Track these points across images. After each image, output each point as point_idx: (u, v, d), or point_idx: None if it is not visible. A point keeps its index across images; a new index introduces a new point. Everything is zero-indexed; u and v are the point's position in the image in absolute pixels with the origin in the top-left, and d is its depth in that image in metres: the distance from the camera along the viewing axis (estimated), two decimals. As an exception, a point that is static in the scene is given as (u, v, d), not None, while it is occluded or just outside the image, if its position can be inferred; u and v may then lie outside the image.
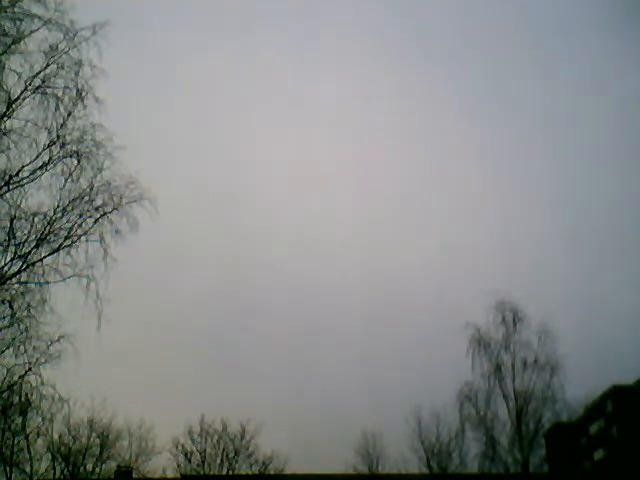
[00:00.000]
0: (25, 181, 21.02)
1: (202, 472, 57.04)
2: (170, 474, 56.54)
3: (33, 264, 21.31)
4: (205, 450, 57.43)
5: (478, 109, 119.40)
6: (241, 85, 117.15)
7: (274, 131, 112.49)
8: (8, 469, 42.27)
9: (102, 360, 32.24)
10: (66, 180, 21.57)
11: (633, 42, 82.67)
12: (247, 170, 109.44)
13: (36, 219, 21.20)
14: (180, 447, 56.89)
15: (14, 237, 20.97)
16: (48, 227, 21.36)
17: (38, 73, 21.07)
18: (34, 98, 21.08)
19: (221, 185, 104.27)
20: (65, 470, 49.28)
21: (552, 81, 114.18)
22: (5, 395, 23.53)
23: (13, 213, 20.94)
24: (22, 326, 21.52)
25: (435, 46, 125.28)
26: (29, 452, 44.15)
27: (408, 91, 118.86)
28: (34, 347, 21.81)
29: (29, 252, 21.16)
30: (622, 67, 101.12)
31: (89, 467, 50.45)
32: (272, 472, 57.30)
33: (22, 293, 21.46)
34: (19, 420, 33.80)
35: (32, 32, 20.97)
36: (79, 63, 21.34)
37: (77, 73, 21.37)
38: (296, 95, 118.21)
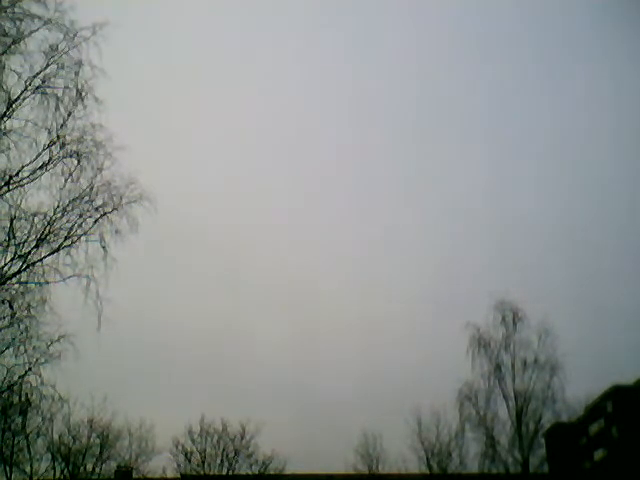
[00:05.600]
0: (25, 181, 21.09)
1: (202, 472, 56.98)
2: (170, 474, 56.46)
3: (33, 264, 21.34)
4: (205, 450, 57.35)
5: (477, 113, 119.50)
6: (242, 84, 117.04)
7: (276, 130, 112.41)
8: (8, 469, 42.31)
9: (102, 360, 32.26)
10: (66, 180, 21.65)
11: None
12: (247, 168, 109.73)
13: (36, 219, 21.29)
14: (180, 447, 56.80)
15: (14, 237, 21.00)
16: (48, 227, 21.40)
17: (38, 73, 21.13)
18: (34, 98, 21.15)
19: (221, 184, 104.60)
20: (65, 470, 49.23)
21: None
22: (5, 395, 23.56)
23: (13, 213, 21.00)
24: (22, 326, 21.59)
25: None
26: (29, 452, 44.17)
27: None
28: (34, 347, 21.89)
29: (29, 252, 21.19)
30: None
31: (89, 467, 50.37)
32: (272, 472, 57.25)
33: (22, 293, 21.50)
34: (19, 420, 33.89)
35: (32, 32, 21.04)
36: (79, 63, 21.42)
37: (77, 73, 21.46)
38: (300, 94, 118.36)
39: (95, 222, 22.00)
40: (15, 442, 41.58)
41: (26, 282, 21.44)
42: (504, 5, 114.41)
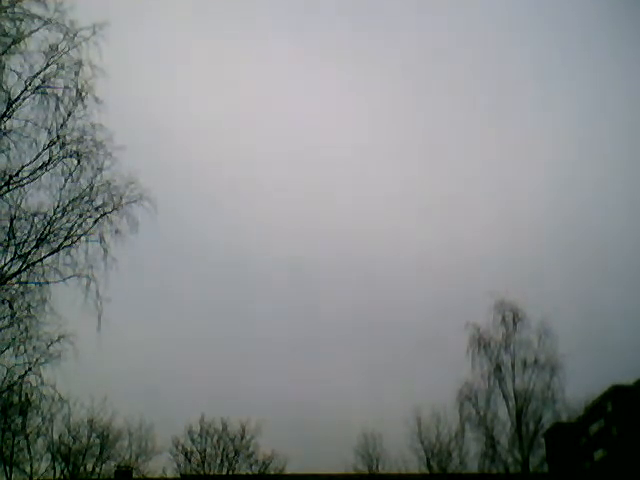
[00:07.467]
0: (25, 181, 21.08)
1: (202, 472, 57.01)
2: (170, 474, 56.52)
3: (33, 264, 21.34)
4: (205, 450, 57.40)
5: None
6: (243, 84, 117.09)
7: (277, 129, 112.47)
8: (8, 469, 42.34)
9: (102, 360, 32.25)
10: (66, 180, 21.63)
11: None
12: (247, 166, 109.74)
13: (36, 219, 21.29)
14: (180, 447, 56.89)
15: (14, 237, 21.01)
16: (48, 227, 21.41)
17: (38, 73, 21.10)
18: (34, 98, 21.12)
19: (221, 184, 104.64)
20: (65, 470, 49.28)
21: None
22: (5, 395, 23.58)
23: (13, 213, 21.00)
24: (22, 326, 21.60)
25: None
26: (29, 452, 44.24)
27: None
28: (34, 347, 21.91)
29: (29, 252, 21.19)
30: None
31: (89, 467, 50.45)
32: (272, 472, 57.28)
33: (22, 293, 21.51)
34: (19, 420, 33.93)
35: (32, 32, 21.00)
36: (79, 63, 21.38)
37: (77, 73, 21.42)
38: (302, 91, 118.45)
39: (95, 222, 22.01)
40: (15, 442, 41.65)
41: (26, 282, 21.45)
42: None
